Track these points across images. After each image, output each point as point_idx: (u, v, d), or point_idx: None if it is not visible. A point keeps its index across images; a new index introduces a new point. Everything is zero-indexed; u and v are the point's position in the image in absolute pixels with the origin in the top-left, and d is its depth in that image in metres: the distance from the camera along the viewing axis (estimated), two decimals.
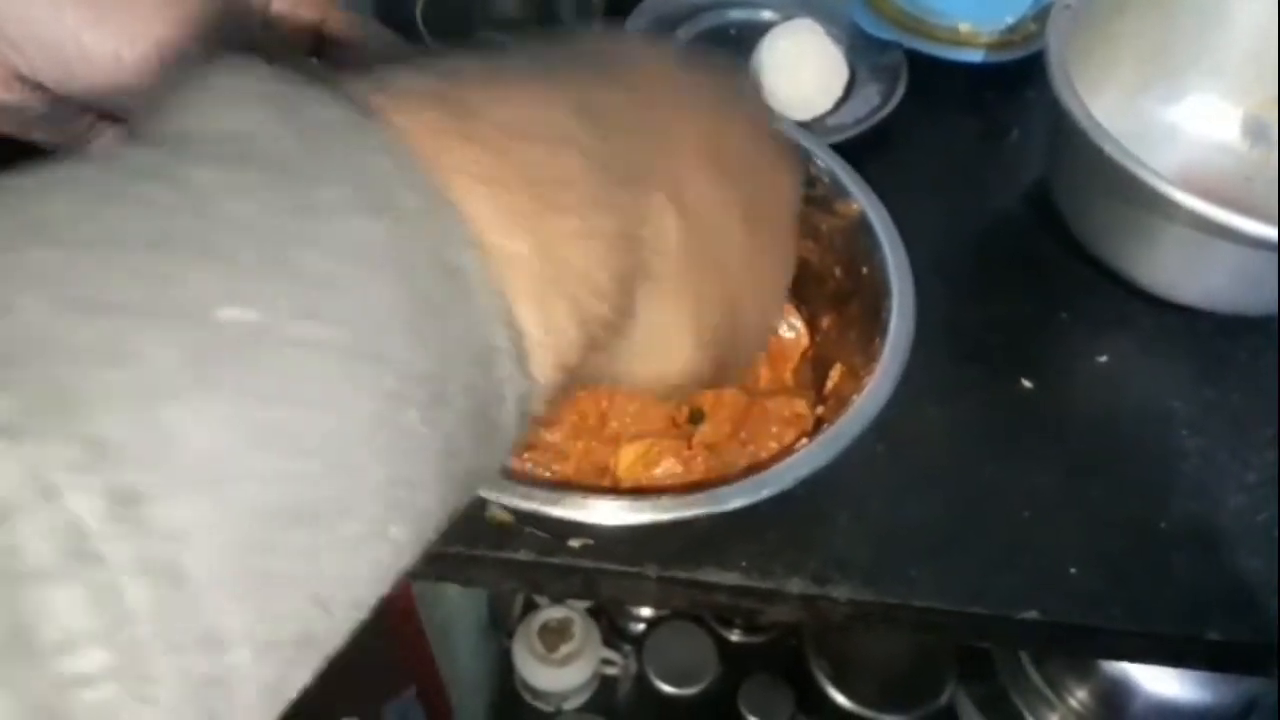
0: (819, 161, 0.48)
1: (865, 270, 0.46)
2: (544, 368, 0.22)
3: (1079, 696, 0.93)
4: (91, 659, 0.15)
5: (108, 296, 0.16)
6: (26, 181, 0.17)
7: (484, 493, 0.38)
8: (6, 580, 0.14)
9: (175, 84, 0.20)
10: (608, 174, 0.25)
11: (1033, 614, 0.44)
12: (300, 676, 0.18)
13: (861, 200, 0.46)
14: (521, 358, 0.21)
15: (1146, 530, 0.47)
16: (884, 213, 0.46)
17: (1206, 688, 0.87)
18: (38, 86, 0.36)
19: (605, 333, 0.25)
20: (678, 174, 0.28)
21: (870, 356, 0.42)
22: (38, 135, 0.39)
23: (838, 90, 0.63)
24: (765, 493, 0.38)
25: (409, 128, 0.21)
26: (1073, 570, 0.46)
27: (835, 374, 0.46)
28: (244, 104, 0.20)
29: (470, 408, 0.20)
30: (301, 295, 0.17)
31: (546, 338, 0.22)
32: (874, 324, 0.43)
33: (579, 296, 0.23)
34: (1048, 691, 0.94)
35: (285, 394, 0.17)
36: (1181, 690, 0.87)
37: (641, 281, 0.26)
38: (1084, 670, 0.92)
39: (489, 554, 0.45)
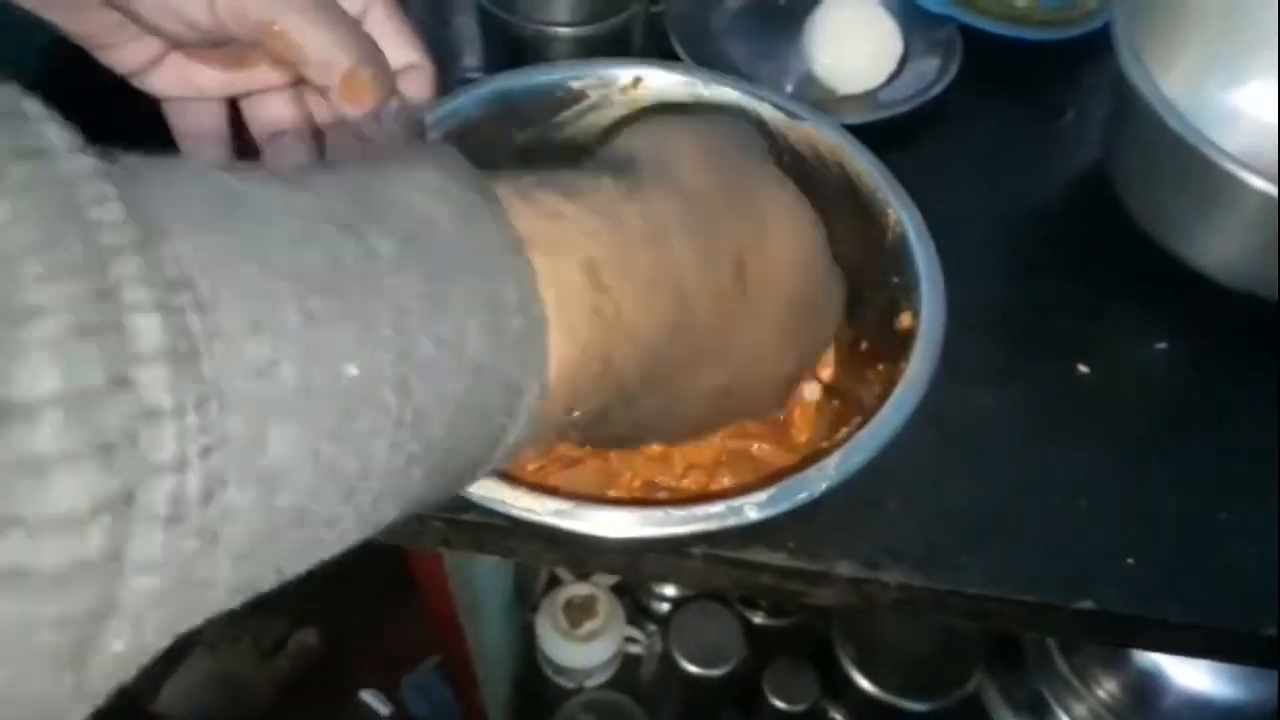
0: (838, 146, 0.45)
1: (890, 256, 0.43)
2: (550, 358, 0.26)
3: (1107, 688, 0.91)
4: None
5: (270, 318, 0.20)
6: (256, 191, 0.21)
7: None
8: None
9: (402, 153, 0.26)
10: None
11: (1088, 604, 0.43)
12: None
13: (891, 198, 0.43)
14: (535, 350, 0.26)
15: (1204, 522, 0.46)
16: (915, 211, 0.43)
17: (1239, 683, 0.86)
18: None
19: (629, 361, 0.29)
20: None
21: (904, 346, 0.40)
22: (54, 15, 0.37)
23: (890, 65, 0.62)
24: (785, 505, 0.37)
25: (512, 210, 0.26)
26: (1129, 560, 0.44)
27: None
28: (433, 197, 0.24)
29: (465, 389, 0.24)
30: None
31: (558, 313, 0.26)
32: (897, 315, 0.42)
33: (601, 306, 0.28)
34: (1076, 683, 0.93)
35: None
36: (1213, 685, 0.86)
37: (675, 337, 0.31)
38: (1113, 662, 0.91)
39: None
